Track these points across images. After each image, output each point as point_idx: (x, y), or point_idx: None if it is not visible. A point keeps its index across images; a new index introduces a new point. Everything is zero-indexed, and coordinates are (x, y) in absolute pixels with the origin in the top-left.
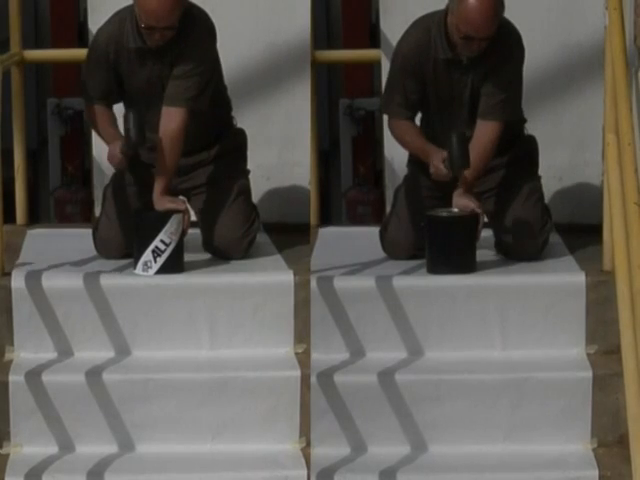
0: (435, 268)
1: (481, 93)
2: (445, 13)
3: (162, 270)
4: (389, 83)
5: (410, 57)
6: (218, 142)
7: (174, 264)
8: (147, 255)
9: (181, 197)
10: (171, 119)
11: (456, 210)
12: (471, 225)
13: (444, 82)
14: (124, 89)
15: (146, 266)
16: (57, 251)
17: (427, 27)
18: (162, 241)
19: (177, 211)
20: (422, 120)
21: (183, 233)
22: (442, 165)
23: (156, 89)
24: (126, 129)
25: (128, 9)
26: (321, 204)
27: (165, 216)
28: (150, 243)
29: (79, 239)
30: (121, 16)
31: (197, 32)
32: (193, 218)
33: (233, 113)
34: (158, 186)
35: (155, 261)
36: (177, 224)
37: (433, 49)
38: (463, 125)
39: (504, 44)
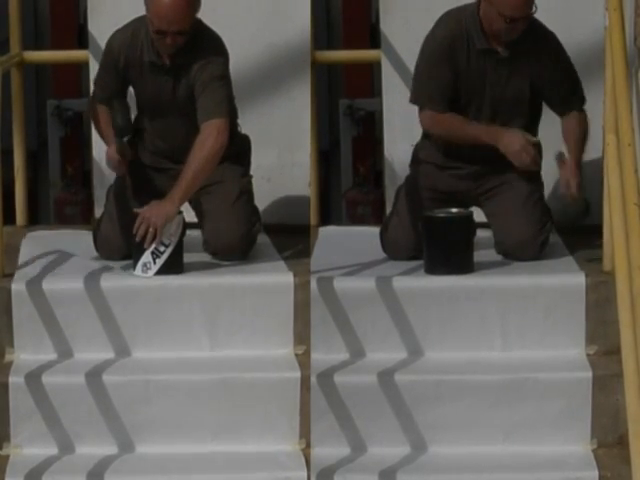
0: (433, 268)
1: (546, 94)
2: (477, 6)
3: (161, 271)
4: (422, 74)
5: (445, 45)
6: None
7: (173, 265)
8: (146, 256)
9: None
10: (211, 133)
11: (454, 210)
12: (468, 225)
13: (476, 74)
14: (137, 100)
15: (145, 267)
16: (57, 252)
17: (458, 19)
18: (161, 242)
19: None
20: None
21: (182, 234)
22: (530, 146)
23: (166, 102)
24: (112, 118)
25: (141, 21)
26: (321, 205)
27: None
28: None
29: (79, 240)
30: (136, 26)
31: (212, 47)
32: (193, 219)
33: None
34: (175, 196)
35: (154, 262)
36: (176, 225)
37: (467, 40)
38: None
39: (545, 40)
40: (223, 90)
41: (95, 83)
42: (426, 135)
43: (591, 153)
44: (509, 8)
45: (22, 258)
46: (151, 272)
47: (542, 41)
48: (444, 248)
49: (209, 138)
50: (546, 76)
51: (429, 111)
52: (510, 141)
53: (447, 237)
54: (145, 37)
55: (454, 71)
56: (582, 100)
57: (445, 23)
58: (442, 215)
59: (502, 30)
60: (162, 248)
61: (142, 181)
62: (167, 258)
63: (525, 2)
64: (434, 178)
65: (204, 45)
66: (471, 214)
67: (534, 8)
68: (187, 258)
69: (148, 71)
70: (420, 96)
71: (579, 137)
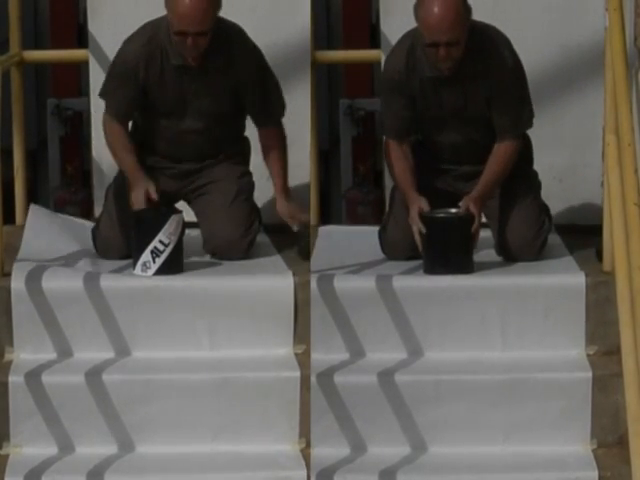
0: (432, 269)
1: (492, 115)
2: None
3: (161, 270)
4: (382, 106)
5: (396, 78)
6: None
7: (173, 264)
8: (146, 255)
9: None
10: (273, 139)
11: (453, 210)
12: (467, 225)
13: (433, 99)
14: (150, 104)
15: (145, 266)
16: (57, 252)
17: (411, 45)
18: (161, 241)
19: (177, 211)
20: (420, 135)
21: (182, 233)
22: (417, 219)
23: (187, 106)
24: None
25: (155, 25)
26: (321, 204)
27: (164, 216)
28: (149, 243)
29: (79, 240)
30: (150, 34)
31: (244, 44)
32: (193, 219)
33: None
34: (279, 186)
35: (154, 261)
36: (176, 224)
37: (419, 67)
38: (462, 141)
39: (495, 57)
40: (274, 88)
41: (108, 99)
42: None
43: (591, 153)
44: (427, 31)
45: (22, 257)
46: (151, 271)
47: (490, 61)
48: (443, 248)
49: (275, 145)
50: (491, 97)
51: (389, 140)
52: (410, 211)
53: (446, 237)
54: (167, 40)
55: (411, 98)
56: (516, 129)
57: (395, 54)
58: (441, 215)
59: (428, 54)
60: (162, 247)
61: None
62: (167, 257)
63: (443, 27)
64: (426, 179)
65: (234, 45)
66: (470, 214)
67: (460, 34)
68: (187, 258)
69: (172, 75)
70: (384, 126)
71: (494, 172)
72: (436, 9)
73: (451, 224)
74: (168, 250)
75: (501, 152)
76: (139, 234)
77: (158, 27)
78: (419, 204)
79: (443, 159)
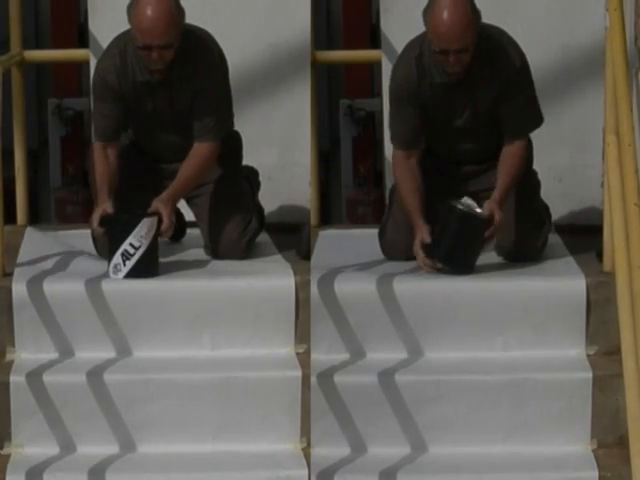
0: (436, 255)
1: (500, 116)
2: None
3: (132, 274)
4: (390, 115)
5: (406, 87)
6: None
7: (146, 268)
8: (117, 258)
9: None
10: (201, 153)
11: (478, 210)
12: (485, 228)
13: (444, 105)
14: (130, 118)
15: (116, 269)
16: (58, 251)
17: (419, 53)
18: (131, 244)
19: (152, 215)
20: (427, 143)
21: (156, 237)
22: (420, 251)
23: (163, 118)
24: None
25: (124, 39)
26: (321, 204)
27: (135, 219)
28: (120, 246)
29: (80, 239)
30: (120, 47)
31: (208, 56)
32: (193, 218)
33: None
34: (170, 191)
35: (124, 264)
36: (148, 228)
37: (429, 74)
38: (468, 143)
39: (503, 58)
40: (222, 107)
41: (93, 122)
42: None
43: (591, 153)
44: (437, 38)
45: (23, 257)
46: (121, 274)
47: (498, 63)
48: (456, 242)
49: (200, 158)
50: (500, 99)
51: (397, 151)
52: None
53: (465, 234)
54: (133, 56)
55: (420, 106)
56: (526, 128)
57: (402, 61)
58: (471, 212)
59: (437, 60)
60: (132, 250)
61: (141, 180)
62: (137, 260)
63: (454, 34)
64: (425, 178)
65: (199, 56)
66: (492, 218)
67: (470, 40)
68: (187, 257)
69: (143, 90)
70: (392, 136)
71: (511, 175)
72: (446, 16)
73: (474, 222)
74: (139, 253)
75: (513, 154)
76: (111, 237)
77: (127, 40)
78: (422, 235)
79: (444, 161)
